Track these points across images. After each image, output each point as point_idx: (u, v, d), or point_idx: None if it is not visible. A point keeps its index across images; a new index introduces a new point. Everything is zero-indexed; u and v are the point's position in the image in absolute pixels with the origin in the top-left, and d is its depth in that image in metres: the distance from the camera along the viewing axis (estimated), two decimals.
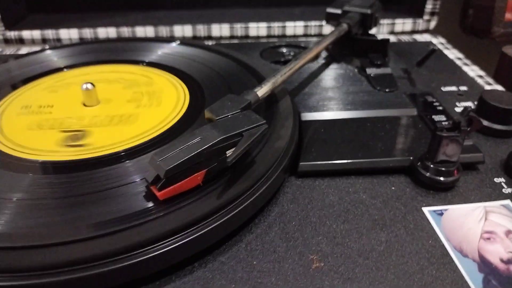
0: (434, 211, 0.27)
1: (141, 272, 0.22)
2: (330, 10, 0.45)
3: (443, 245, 0.24)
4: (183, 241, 0.22)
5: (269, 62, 0.45)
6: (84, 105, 0.33)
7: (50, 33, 0.53)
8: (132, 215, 0.22)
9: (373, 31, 0.46)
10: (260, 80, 0.34)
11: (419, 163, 0.29)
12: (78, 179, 0.25)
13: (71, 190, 0.24)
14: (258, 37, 0.55)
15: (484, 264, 0.23)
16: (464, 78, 0.43)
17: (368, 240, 0.25)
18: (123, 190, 0.24)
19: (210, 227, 0.23)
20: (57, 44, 0.53)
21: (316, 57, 0.44)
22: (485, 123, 0.34)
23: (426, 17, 0.56)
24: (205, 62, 0.40)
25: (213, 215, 0.23)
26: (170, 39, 0.46)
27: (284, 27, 0.55)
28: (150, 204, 0.23)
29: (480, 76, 0.44)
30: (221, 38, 0.55)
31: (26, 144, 0.28)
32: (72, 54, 0.42)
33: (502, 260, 0.23)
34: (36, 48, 0.51)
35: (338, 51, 0.45)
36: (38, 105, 0.33)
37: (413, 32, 0.57)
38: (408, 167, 0.29)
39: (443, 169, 0.28)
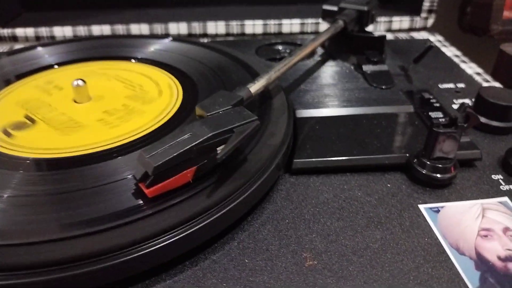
0: (431, 208, 0.26)
1: (131, 271, 0.21)
2: (326, 7, 0.45)
3: (439, 243, 0.24)
4: (173, 240, 0.21)
5: (264, 59, 0.44)
6: (75, 101, 0.33)
7: (44, 31, 0.53)
8: (120, 213, 0.22)
9: (370, 28, 0.46)
10: (254, 76, 0.33)
11: (416, 160, 0.28)
12: (66, 176, 0.24)
13: (58, 188, 0.24)
14: (254, 35, 0.55)
15: (481, 262, 0.23)
16: (461, 76, 0.43)
17: (363, 237, 0.24)
18: (111, 187, 0.23)
19: (200, 225, 0.22)
20: (48, 41, 0.52)
21: (312, 54, 0.44)
22: (483, 120, 0.33)
23: (423, 14, 0.55)
24: (199, 59, 0.39)
25: (203, 213, 0.22)
26: (164, 36, 0.45)
27: (280, 24, 0.54)
28: (139, 202, 0.22)
29: (478, 74, 0.44)
30: (216, 35, 0.54)
31: (16, 141, 0.28)
32: (64, 51, 0.41)
33: (499, 258, 0.23)
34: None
35: (334, 48, 0.45)
36: (30, 101, 0.33)
37: (411, 29, 0.56)
38: (405, 164, 0.29)
39: (439, 166, 0.27)
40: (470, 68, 0.45)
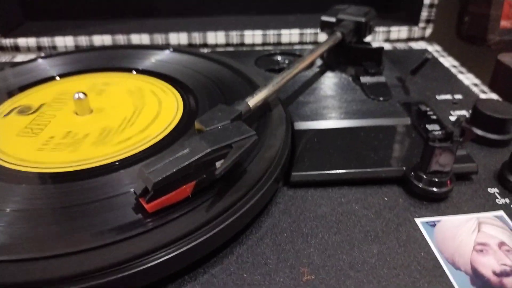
0: (427, 222, 0.26)
1: (130, 286, 0.21)
2: (325, 18, 0.45)
3: (435, 257, 0.24)
4: (172, 254, 0.22)
5: (263, 70, 0.45)
6: (76, 114, 0.33)
7: (45, 41, 0.53)
8: (120, 228, 0.22)
9: (368, 38, 0.46)
10: (254, 88, 0.33)
11: (412, 173, 0.29)
12: (66, 190, 0.25)
13: (58, 202, 0.24)
14: (253, 45, 0.55)
15: (476, 277, 0.23)
16: (459, 86, 0.43)
17: (360, 252, 0.24)
18: (111, 202, 0.24)
19: (199, 240, 0.22)
20: (53, 52, 0.53)
21: (311, 65, 0.44)
22: (479, 132, 0.34)
23: (421, 24, 0.56)
24: (199, 70, 0.40)
25: (202, 228, 0.23)
26: (164, 46, 0.46)
27: (279, 34, 0.55)
28: (139, 217, 0.23)
29: (475, 84, 0.44)
30: (216, 45, 0.55)
31: (19, 155, 0.28)
32: (65, 63, 0.42)
33: (494, 273, 0.23)
34: (32, 55, 0.51)
35: (332, 59, 0.45)
36: (32, 115, 0.33)
37: (409, 39, 0.57)
38: (401, 177, 0.29)
39: (436, 179, 0.28)
40: (468, 79, 0.46)
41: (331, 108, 0.36)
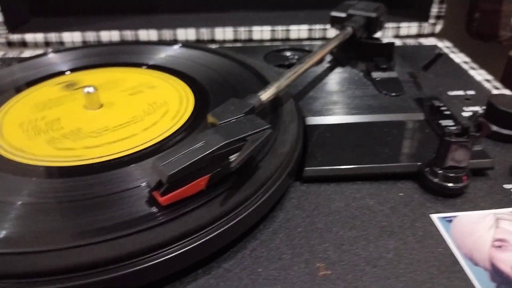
0: (443, 218, 0.26)
1: (143, 280, 0.21)
2: (335, 13, 0.45)
3: (452, 253, 0.24)
4: (186, 248, 0.21)
5: (273, 65, 0.44)
6: (86, 108, 0.33)
7: (53, 36, 0.53)
8: (133, 221, 0.22)
9: (378, 34, 0.46)
10: (265, 83, 0.33)
11: (427, 168, 0.28)
12: (79, 184, 0.25)
13: (71, 196, 0.24)
14: (261, 41, 0.55)
15: (495, 273, 0.22)
16: (471, 82, 0.42)
17: (376, 247, 0.24)
18: (125, 195, 0.23)
19: (214, 234, 0.22)
20: (60, 48, 0.53)
21: (321, 60, 0.44)
22: (494, 128, 0.33)
23: (431, 20, 0.55)
24: (209, 65, 0.39)
25: (217, 221, 0.22)
26: (173, 42, 0.46)
27: (288, 30, 0.54)
28: (153, 210, 0.22)
29: (488, 80, 0.44)
30: (224, 41, 0.55)
31: (27, 149, 0.28)
32: (75, 58, 0.41)
33: None
34: (39, 51, 0.51)
35: (342, 55, 0.45)
36: (41, 109, 0.33)
37: (419, 35, 0.56)
38: (416, 172, 0.29)
39: (451, 175, 0.27)
40: (480, 75, 0.45)
41: (342, 103, 0.36)
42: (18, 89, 0.36)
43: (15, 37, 0.53)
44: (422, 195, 0.28)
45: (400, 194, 0.28)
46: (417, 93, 0.38)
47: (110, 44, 0.47)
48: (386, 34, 0.56)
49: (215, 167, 0.23)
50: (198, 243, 0.22)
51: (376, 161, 0.29)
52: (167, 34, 0.54)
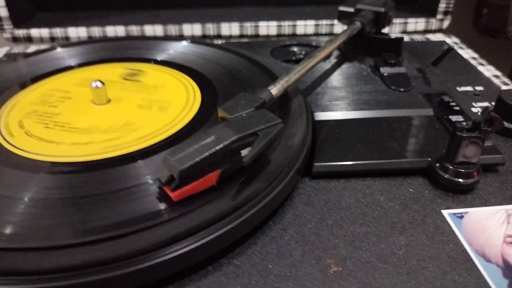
0: (454, 214, 0.26)
1: (153, 276, 0.21)
2: (343, 8, 0.45)
3: (464, 249, 0.23)
4: (196, 244, 0.21)
5: (280, 61, 0.44)
6: (94, 103, 0.33)
7: (58, 32, 0.53)
8: (144, 217, 0.22)
9: (385, 30, 0.45)
10: (272, 78, 0.33)
11: (438, 164, 0.28)
12: (89, 179, 0.24)
13: (82, 191, 0.24)
14: (268, 36, 0.55)
15: (508, 269, 0.22)
16: (479, 78, 0.42)
17: (387, 244, 0.24)
18: (135, 191, 0.23)
19: (225, 229, 0.22)
20: (66, 43, 0.52)
21: (329, 56, 0.44)
22: (504, 123, 0.33)
23: (439, 16, 0.55)
24: (216, 60, 0.39)
25: (227, 217, 0.22)
26: (180, 37, 0.45)
27: (294, 26, 0.54)
28: (164, 206, 0.22)
29: (496, 76, 0.43)
30: (230, 37, 0.54)
31: (34, 145, 0.28)
32: (81, 53, 0.41)
33: None
34: (45, 46, 0.50)
35: (350, 50, 0.44)
36: (48, 104, 0.33)
37: (426, 31, 0.56)
38: (426, 168, 0.29)
39: (462, 170, 0.27)
40: (488, 70, 0.45)
41: (350, 98, 0.36)
42: (23, 85, 0.36)
43: (21, 32, 0.53)
44: (432, 191, 0.28)
45: (410, 190, 0.28)
46: (426, 88, 0.38)
47: (117, 39, 0.47)
48: (394, 30, 0.55)
49: (226, 162, 0.23)
50: (208, 239, 0.21)
51: (385, 157, 0.29)
52: (172, 29, 0.53)
